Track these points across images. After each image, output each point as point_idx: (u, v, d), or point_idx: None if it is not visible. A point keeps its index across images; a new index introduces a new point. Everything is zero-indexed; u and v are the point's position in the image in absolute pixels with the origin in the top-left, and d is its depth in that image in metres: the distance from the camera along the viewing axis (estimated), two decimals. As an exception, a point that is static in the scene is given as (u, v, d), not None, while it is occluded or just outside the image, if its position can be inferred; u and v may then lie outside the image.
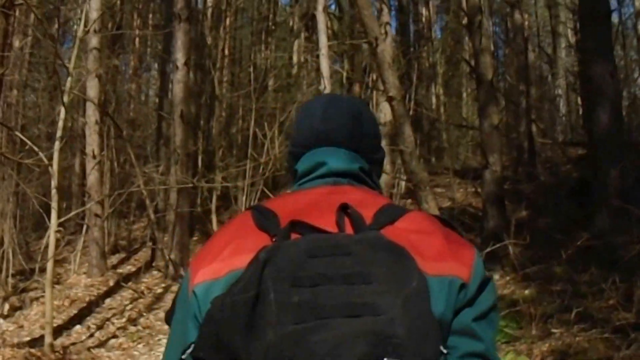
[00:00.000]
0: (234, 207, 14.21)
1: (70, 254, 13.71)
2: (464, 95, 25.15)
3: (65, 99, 8.64)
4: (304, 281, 1.08)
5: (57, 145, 8.61)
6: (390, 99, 8.61)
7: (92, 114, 12.79)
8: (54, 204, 8.59)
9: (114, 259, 14.35)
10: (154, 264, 13.39)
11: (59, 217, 8.77)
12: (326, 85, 12.74)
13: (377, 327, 1.03)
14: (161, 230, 13.08)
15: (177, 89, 12.14)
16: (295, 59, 20.06)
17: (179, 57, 12.21)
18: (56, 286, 11.67)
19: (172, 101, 12.84)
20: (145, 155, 16.16)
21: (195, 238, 15.23)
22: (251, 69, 15.90)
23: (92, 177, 12.68)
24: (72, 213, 9.33)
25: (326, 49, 12.99)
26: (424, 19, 22.72)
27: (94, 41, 12.72)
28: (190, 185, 11.76)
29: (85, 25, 8.93)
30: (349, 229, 1.22)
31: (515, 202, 12.24)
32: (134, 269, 13.50)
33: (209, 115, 17.08)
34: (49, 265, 8.61)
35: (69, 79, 8.74)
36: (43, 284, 11.66)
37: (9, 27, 7.63)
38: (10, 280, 12.04)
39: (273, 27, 21.34)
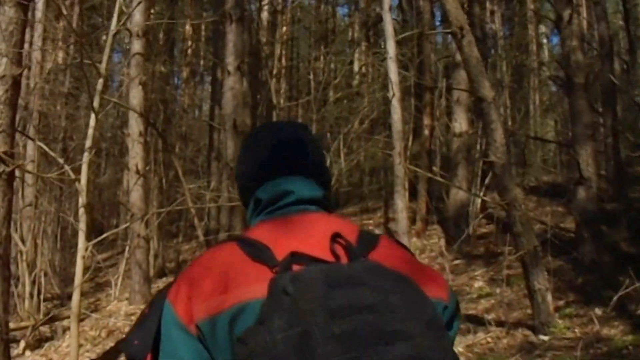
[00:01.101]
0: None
1: (112, 278, 12.53)
2: (531, 106, 23.38)
3: (96, 103, 7.41)
4: (338, 313, 1.09)
5: (85, 157, 7.39)
6: (479, 100, 7.14)
7: (135, 124, 11.67)
8: (81, 225, 7.35)
9: (160, 284, 13.13)
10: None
11: (89, 238, 7.54)
12: (395, 92, 11.38)
13: (414, 351, 1.07)
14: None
15: (229, 96, 10.87)
16: (356, 68, 19.08)
17: (230, 61, 10.95)
18: (93, 314, 10.57)
19: (223, 110, 11.54)
20: (195, 170, 14.90)
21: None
22: (311, 76, 14.54)
23: (135, 194, 11.51)
24: (104, 235, 8.03)
25: (394, 51, 11.61)
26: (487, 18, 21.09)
27: (137, 46, 11.62)
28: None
29: (118, 20, 7.65)
30: (342, 257, 1.26)
31: (612, 224, 10.64)
32: (180, 296, 12.21)
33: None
34: (75, 296, 7.40)
35: (100, 80, 7.50)
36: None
37: (27, 20, 6.37)
38: (43, 306, 10.93)
39: (332, 38, 20.12)
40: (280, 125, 1.60)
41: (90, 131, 7.40)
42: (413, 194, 13.72)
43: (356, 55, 19.68)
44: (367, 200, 17.30)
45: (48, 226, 11.92)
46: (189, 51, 19.58)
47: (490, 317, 8.57)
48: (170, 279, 13.89)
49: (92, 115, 7.38)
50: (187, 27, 19.80)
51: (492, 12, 20.44)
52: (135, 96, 11.61)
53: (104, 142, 17.92)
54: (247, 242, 1.30)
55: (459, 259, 11.49)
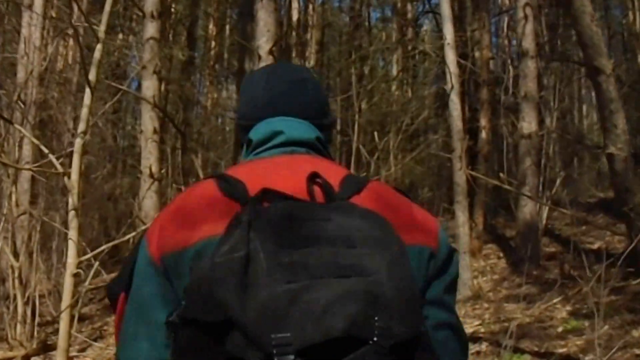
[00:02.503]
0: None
1: (121, 299, 10.80)
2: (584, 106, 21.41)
3: (92, 76, 5.71)
4: (291, 243, 1.08)
5: (77, 144, 5.68)
6: (594, 72, 5.36)
7: (148, 120, 10.01)
8: (71, 233, 5.63)
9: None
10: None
11: (79, 252, 5.82)
12: (453, 84, 9.64)
13: (367, 287, 1.05)
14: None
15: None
16: (395, 70, 17.92)
17: (262, 43, 9.18)
18: (95, 343, 8.89)
19: None
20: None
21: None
22: (352, 70, 12.80)
23: (148, 202, 9.83)
24: (100, 249, 6.23)
25: (452, 36, 9.91)
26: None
27: (150, 29, 9.98)
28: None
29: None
30: (319, 198, 1.24)
31: None
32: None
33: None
34: (62, 326, 5.66)
35: (98, 47, 5.81)
36: (78, 338, 8.90)
37: None
38: (37, 332, 9.25)
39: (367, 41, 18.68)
40: (280, 65, 1.72)
41: (84, 111, 5.69)
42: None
43: (394, 57, 18.28)
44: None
45: (47, 239, 10.21)
46: (212, 52, 18.06)
47: (588, 359, 6.84)
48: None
49: (87, 91, 5.68)
50: (210, 25, 18.31)
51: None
52: (149, 87, 9.97)
53: (118, 152, 16.33)
54: (224, 178, 1.28)
55: (527, 284, 9.65)
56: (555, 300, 8.75)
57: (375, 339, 1.01)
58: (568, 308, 8.59)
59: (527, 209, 10.00)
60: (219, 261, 1.07)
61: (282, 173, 1.30)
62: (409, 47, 18.25)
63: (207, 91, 18.16)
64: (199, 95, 17.14)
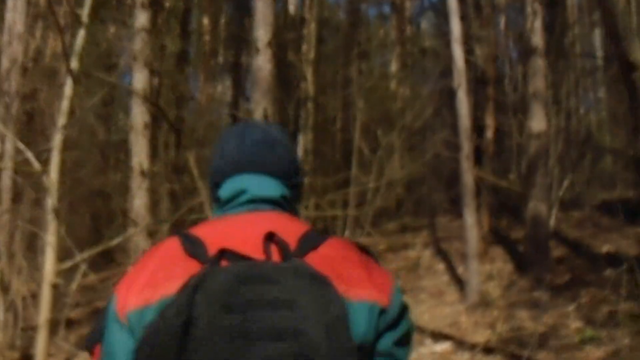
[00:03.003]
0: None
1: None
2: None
3: (74, 64, 5.20)
4: (234, 307, 1.12)
5: (57, 140, 5.20)
6: (628, 68, 4.87)
7: (138, 114, 9.54)
8: (49, 238, 5.14)
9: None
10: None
11: (60, 257, 5.34)
12: (461, 82, 9.15)
13: (301, 350, 1.10)
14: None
15: (259, 78, 8.62)
16: (394, 68, 17.56)
17: (260, 34, 8.68)
18: (81, 352, 8.37)
19: (250, 98, 9.23)
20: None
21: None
22: (351, 67, 12.30)
23: (138, 201, 9.33)
24: (77, 259, 5.62)
25: (459, 30, 9.43)
26: None
27: (141, 18, 9.47)
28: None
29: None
30: (275, 256, 1.26)
31: None
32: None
33: (295, 124, 13.56)
34: (40, 338, 5.22)
35: (81, 32, 5.30)
36: (64, 347, 8.42)
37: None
38: (20, 340, 8.72)
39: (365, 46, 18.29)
40: (251, 125, 1.64)
41: (64, 103, 5.19)
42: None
43: (393, 54, 18.07)
44: (403, 217, 14.99)
45: (34, 237, 9.65)
46: (206, 46, 17.50)
47: (609, 372, 6.39)
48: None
49: (68, 81, 5.17)
50: (205, 20, 17.75)
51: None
52: (140, 80, 9.49)
53: (109, 147, 15.74)
54: (186, 237, 1.32)
55: (537, 289, 9.15)
56: (569, 308, 8.27)
57: None
58: (582, 315, 8.10)
59: (536, 210, 9.50)
60: (161, 326, 1.12)
61: (241, 232, 1.34)
62: (408, 45, 17.86)
63: (201, 86, 17.59)
64: (193, 90, 16.52)
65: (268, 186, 1.48)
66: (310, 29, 13.76)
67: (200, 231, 1.34)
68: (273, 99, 8.63)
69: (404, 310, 1.34)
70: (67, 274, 10.90)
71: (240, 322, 1.11)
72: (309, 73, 11.50)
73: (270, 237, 1.28)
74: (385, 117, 14.04)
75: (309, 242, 1.31)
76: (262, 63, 8.67)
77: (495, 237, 12.02)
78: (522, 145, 11.00)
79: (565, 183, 11.37)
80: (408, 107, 13.52)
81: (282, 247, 1.26)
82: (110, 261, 13.24)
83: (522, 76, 10.47)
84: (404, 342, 1.33)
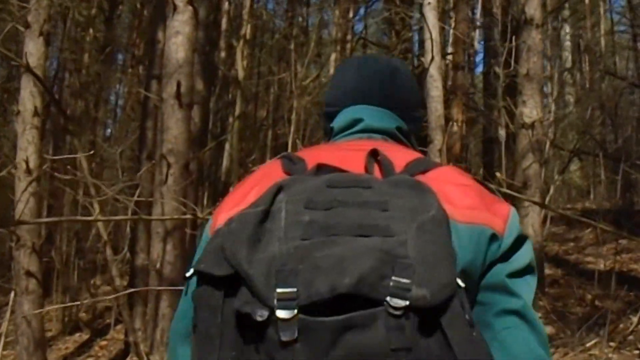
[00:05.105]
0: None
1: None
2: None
3: None
4: (318, 204, 1.05)
5: None
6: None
7: (28, 96, 7.52)
8: None
9: (69, 344, 8.82)
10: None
11: None
12: (434, 56, 7.35)
13: (387, 246, 0.97)
14: (141, 298, 7.61)
15: (175, 45, 6.63)
16: (332, 70, 15.58)
17: (180, -13, 6.73)
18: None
19: (164, 71, 7.11)
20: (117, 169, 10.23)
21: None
22: (292, 46, 10.52)
23: (22, 206, 7.29)
24: None
25: (435, -5, 7.70)
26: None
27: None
28: (190, 217, 6.05)
29: None
30: (377, 174, 1.20)
31: None
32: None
33: (223, 114, 11.71)
34: None
35: None
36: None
37: None
38: None
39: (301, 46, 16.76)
40: (372, 55, 1.62)
41: None
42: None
43: (333, 56, 16.20)
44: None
45: None
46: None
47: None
48: (86, 336, 9.63)
49: None
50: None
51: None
52: (33, 52, 7.48)
53: None
54: (288, 157, 1.30)
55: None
56: (589, 344, 6.45)
57: (387, 299, 0.93)
58: (607, 349, 6.33)
59: (529, 220, 7.64)
60: (237, 215, 1.05)
61: (345, 153, 1.30)
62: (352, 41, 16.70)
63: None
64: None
65: (383, 117, 1.43)
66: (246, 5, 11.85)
67: (304, 152, 1.32)
68: (190, 74, 6.65)
69: (521, 241, 1.19)
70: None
71: (322, 217, 1.00)
72: (240, 55, 9.57)
73: (374, 155, 1.22)
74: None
75: (419, 165, 1.22)
76: (181, 25, 6.68)
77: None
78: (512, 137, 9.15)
79: (552, 188, 9.65)
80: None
81: (385, 164, 1.19)
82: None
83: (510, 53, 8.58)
84: (521, 274, 1.16)
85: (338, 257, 0.95)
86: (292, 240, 0.98)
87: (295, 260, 0.96)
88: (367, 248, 0.95)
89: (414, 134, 1.50)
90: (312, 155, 1.27)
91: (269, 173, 1.25)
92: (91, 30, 13.20)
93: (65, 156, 7.64)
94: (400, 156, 1.24)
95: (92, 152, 8.01)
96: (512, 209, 1.23)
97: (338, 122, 1.44)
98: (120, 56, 18.54)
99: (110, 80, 15.03)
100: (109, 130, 17.73)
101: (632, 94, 15.07)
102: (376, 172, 1.19)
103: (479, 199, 1.19)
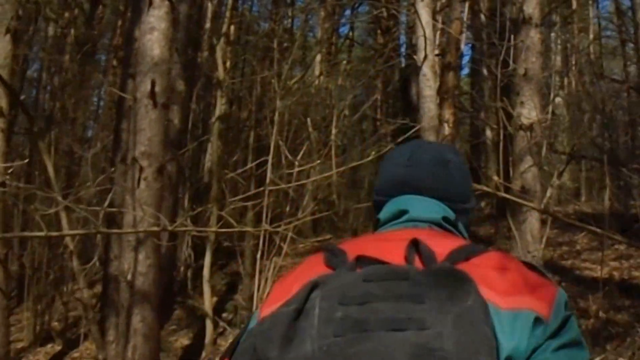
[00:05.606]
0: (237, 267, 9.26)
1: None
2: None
3: None
4: (352, 299, 1.02)
5: None
6: None
7: (-8, 96, 7.05)
8: None
9: (40, 356, 8.39)
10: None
11: None
12: (427, 54, 7.01)
13: (422, 340, 0.96)
14: (113, 308, 7.22)
15: (153, 40, 6.19)
16: (317, 71, 15.94)
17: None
18: None
19: (138, 70, 6.65)
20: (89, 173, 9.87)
21: (172, 327, 9.21)
22: (275, 44, 10.19)
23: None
24: None
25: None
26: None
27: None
28: (162, 229, 5.64)
29: None
30: (417, 265, 1.15)
31: None
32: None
33: (205, 115, 11.29)
34: None
35: None
36: None
37: None
38: None
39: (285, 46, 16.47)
40: (423, 143, 1.60)
41: None
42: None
43: (317, 58, 16.27)
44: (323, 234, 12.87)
45: None
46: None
47: None
48: (58, 347, 8.99)
49: None
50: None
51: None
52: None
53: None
54: (330, 249, 1.26)
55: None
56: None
57: None
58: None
59: (528, 226, 7.24)
60: (270, 314, 1.06)
61: (387, 243, 1.26)
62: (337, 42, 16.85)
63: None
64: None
65: (430, 207, 1.39)
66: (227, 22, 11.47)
67: (347, 244, 1.30)
68: (166, 72, 6.21)
69: (566, 320, 1.13)
70: None
71: (355, 313, 0.99)
72: (219, 53, 9.16)
73: (415, 245, 1.18)
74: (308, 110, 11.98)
75: (461, 253, 1.17)
76: (157, 20, 6.24)
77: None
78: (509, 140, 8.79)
79: (549, 191, 9.27)
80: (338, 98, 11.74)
81: (425, 254, 1.15)
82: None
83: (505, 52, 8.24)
84: (566, 349, 1.11)
85: (371, 352, 0.94)
86: (324, 338, 0.97)
87: (328, 358, 0.95)
88: (401, 342, 0.94)
89: (462, 224, 1.44)
90: (354, 247, 1.24)
91: (310, 267, 1.24)
92: (72, 31, 12.83)
93: (21, 162, 7.19)
94: (444, 244, 1.20)
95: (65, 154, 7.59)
96: (559, 291, 1.18)
97: (384, 213, 1.42)
98: (103, 57, 18.24)
99: (90, 80, 14.61)
100: (90, 132, 17.40)
101: (619, 98, 14.95)
102: (417, 262, 1.15)
103: (522, 282, 1.14)
